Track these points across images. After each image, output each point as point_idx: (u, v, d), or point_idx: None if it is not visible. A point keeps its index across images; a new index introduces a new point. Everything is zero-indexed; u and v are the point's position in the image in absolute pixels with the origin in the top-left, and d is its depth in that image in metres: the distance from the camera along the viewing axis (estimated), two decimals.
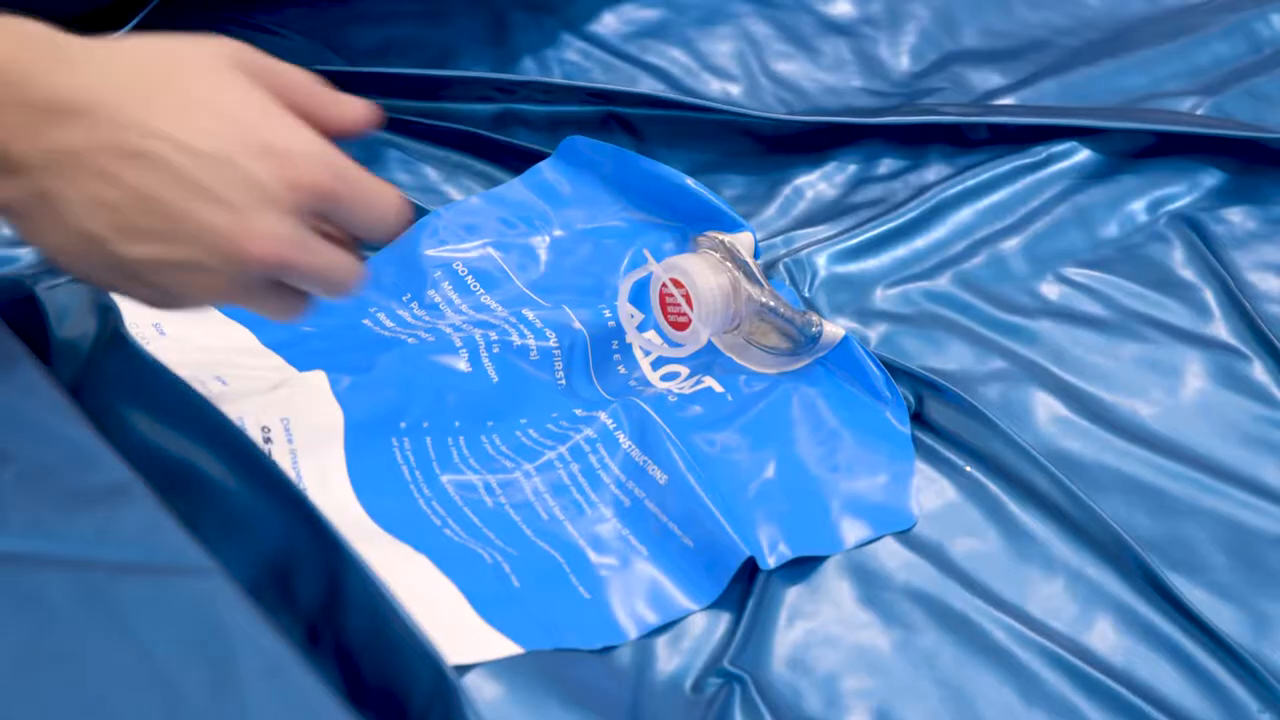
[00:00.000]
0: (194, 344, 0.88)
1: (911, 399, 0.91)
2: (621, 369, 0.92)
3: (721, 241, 0.91)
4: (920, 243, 1.01)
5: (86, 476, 0.65)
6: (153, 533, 0.62)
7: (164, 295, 0.71)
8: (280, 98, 0.71)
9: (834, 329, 0.92)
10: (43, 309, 0.77)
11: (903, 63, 1.14)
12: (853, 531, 0.85)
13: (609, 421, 0.87)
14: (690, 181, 0.99)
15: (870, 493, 0.87)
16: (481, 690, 0.74)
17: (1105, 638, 0.81)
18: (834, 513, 0.86)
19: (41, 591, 0.59)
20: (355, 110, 0.74)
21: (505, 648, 0.76)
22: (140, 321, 0.88)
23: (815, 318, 0.92)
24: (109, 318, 0.76)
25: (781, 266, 0.99)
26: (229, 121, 0.70)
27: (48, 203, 0.68)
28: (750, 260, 0.91)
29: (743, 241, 0.94)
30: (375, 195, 0.72)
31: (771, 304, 0.90)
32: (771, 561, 0.82)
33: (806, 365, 0.92)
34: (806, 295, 0.98)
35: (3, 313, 0.75)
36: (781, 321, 0.91)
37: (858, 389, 0.91)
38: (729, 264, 0.90)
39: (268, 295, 0.72)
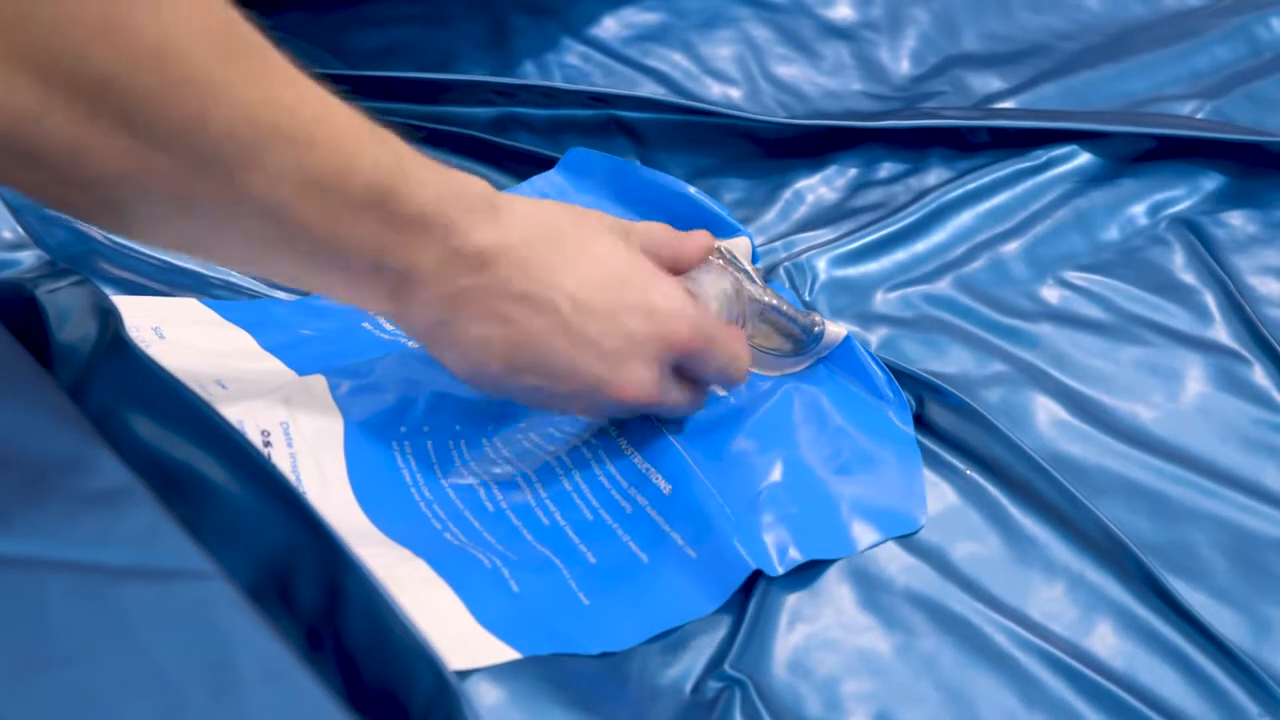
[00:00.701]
0: (195, 347, 0.88)
1: (912, 401, 0.91)
2: None
3: (718, 247, 0.92)
4: (920, 246, 1.01)
5: (87, 480, 0.65)
6: (154, 536, 0.62)
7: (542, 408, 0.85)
8: (648, 254, 0.84)
9: (836, 328, 0.92)
10: (43, 312, 0.77)
11: (903, 67, 1.14)
12: (864, 534, 0.85)
13: (611, 428, 0.87)
14: (690, 189, 0.99)
15: (879, 494, 0.87)
16: (482, 695, 0.74)
17: (1106, 641, 0.81)
18: (844, 515, 0.85)
19: (42, 595, 0.59)
20: (700, 242, 0.88)
21: (502, 653, 0.76)
22: (141, 325, 0.88)
23: (817, 317, 0.92)
24: (109, 321, 0.76)
25: (782, 270, 0.99)
26: (618, 281, 0.81)
27: (447, 330, 0.79)
28: (748, 265, 0.91)
29: (739, 246, 0.94)
30: (727, 354, 0.84)
31: (774, 303, 0.90)
32: (780, 568, 0.82)
33: (809, 366, 0.92)
34: (807, 299, 0.98)
35: (2, 316, 0.75)
36: (785, 321, 0.91)
37: (860, 389, 0.91)
38: (729, 267, 0.90)
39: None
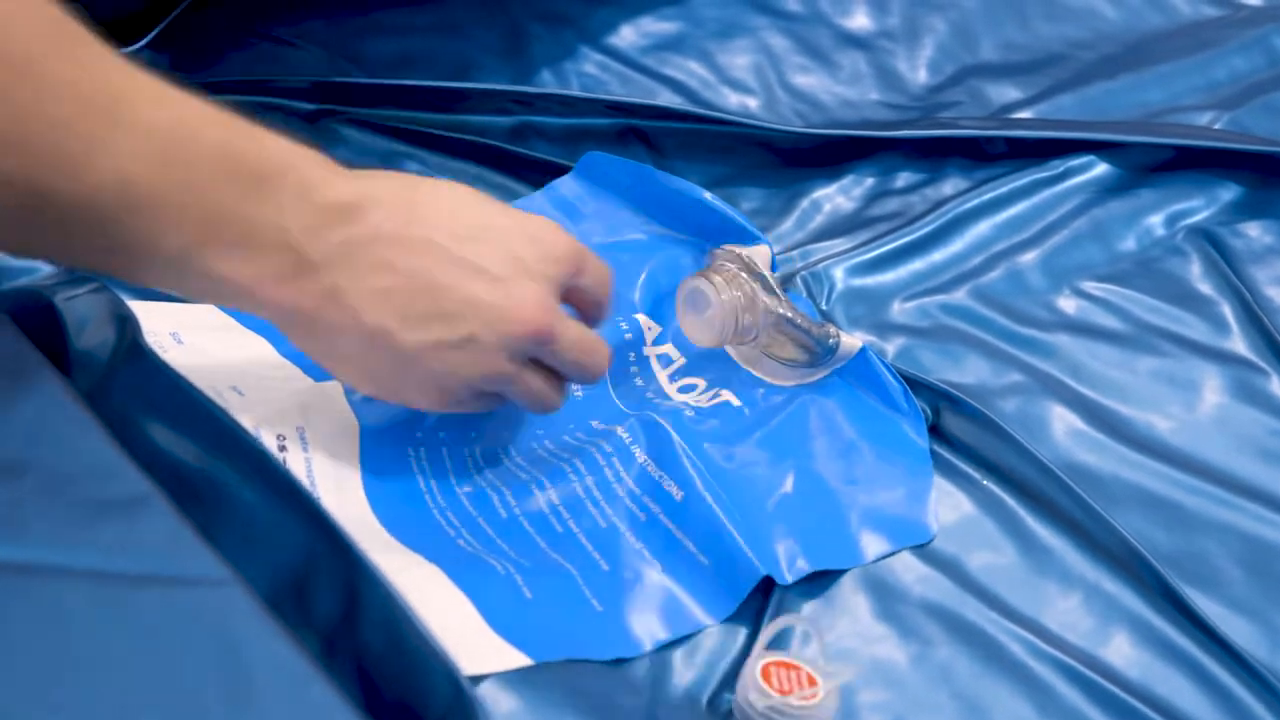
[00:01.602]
0: (212, 353, 0.88)
1: (929, 412, 0.91)
2: (639, 381, 0.92)
3: (739, 255, 0.91)
4: (938, 256, 1.01)
5: (105, 487, 0.65)
6: (172, 544, 0.62)
7: (439, 392, 0.80)
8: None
9: (851, 340, 0.92)
10: (61, 319, 0.77)
11: (920, 76, 1.14)
12: (872, 545, 0.85)
13: (625, 435, 0.87)
14: (708, 195, 0.99)
15: (889, 506, 0.87)
16: (496, 703, 0.74)
17: (1121, 651, 0.81)
18: (853, 526, 0.85)
19: (60, 602, 0.60)
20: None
21: (516, 659, 0.76)
22: (159, 330, 0.88)
23: (833, 329, 0.92)
24: (127, 328, 0.77)
25: (799, 279, 0.99)
26: (488, 213, 0.81)
27: (336, 300, 0.77)
28: (767, 273, 0.91)
29: (759, 254, 0.94)
30: (600, 277, 0.84)
31: (789, 315, 0.90)
32: (789, 577, 0.82)
33: (824, 377, 0.92)
34: (824, 308, 0.98)
35: (22, 323, 0.75)
36: (799, 333, 0.91)
37: (875, 401, 0.91)
38: (745, 276, 0.90)
39: (533, 375, 0.81)
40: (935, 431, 0.91)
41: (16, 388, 0.69)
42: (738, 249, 0.92)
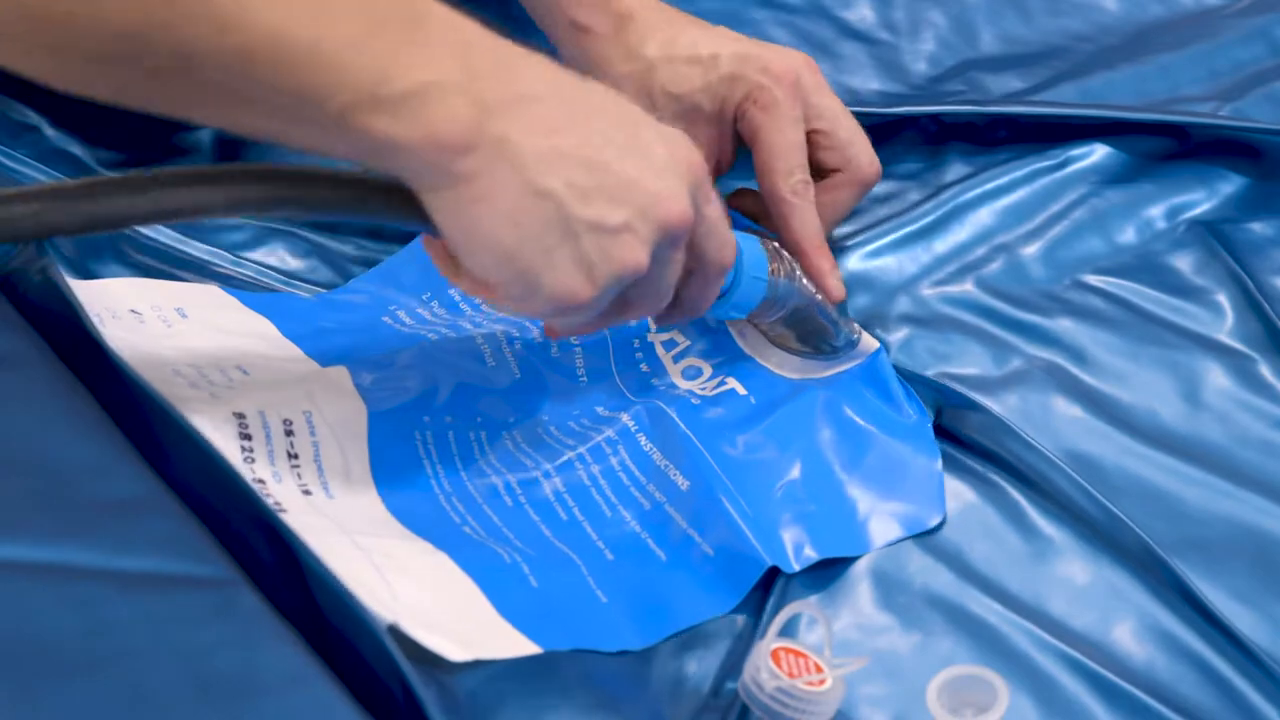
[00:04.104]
0: (218, 330, 0.88)
1: (930, 407, 0.91)
2: (644, 367, 0.92)
3: (773, 242, 0.91)
4: (940, 246, 1.01)
5: (105, 487, 0.65)
6: (173, 543, 0.63)
7: (585, 277, 0.76)
8: None
9: (870, 340, 0.92)
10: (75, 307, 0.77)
11: (921, 68, 1.14)
12: (880, 532, 0.85)
13: (631, 423, 0.87)
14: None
15: (897, 492, 0.87)
16: (499, 693, 0.74)
17: (1124, 642, 0.81)
18: (861, 513, 0.85)
19: (63, 601, 0.60)
20: None
21: (524, 646, 0.76)
22: (164, 305, 0.88)
23: (856, 325, 0.92)
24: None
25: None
26: (642, 110, 0.79)
27: (503, 152, 0.72)
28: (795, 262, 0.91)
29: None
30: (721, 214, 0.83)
31: (820, 299, 0.90)
32: (796, 565, 0.82)
33: (831, 374, 0.92)
34: None
35: (34, 316, 0.75)
36: (825, 321, 0.91)
37: (880, 398, 0.91)
38: (787, 254, 0.90)
39: (667, 270, 0.79)
40: (938, 423, 0.91)
41: (19, 383, 0.69)
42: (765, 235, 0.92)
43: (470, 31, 0.73)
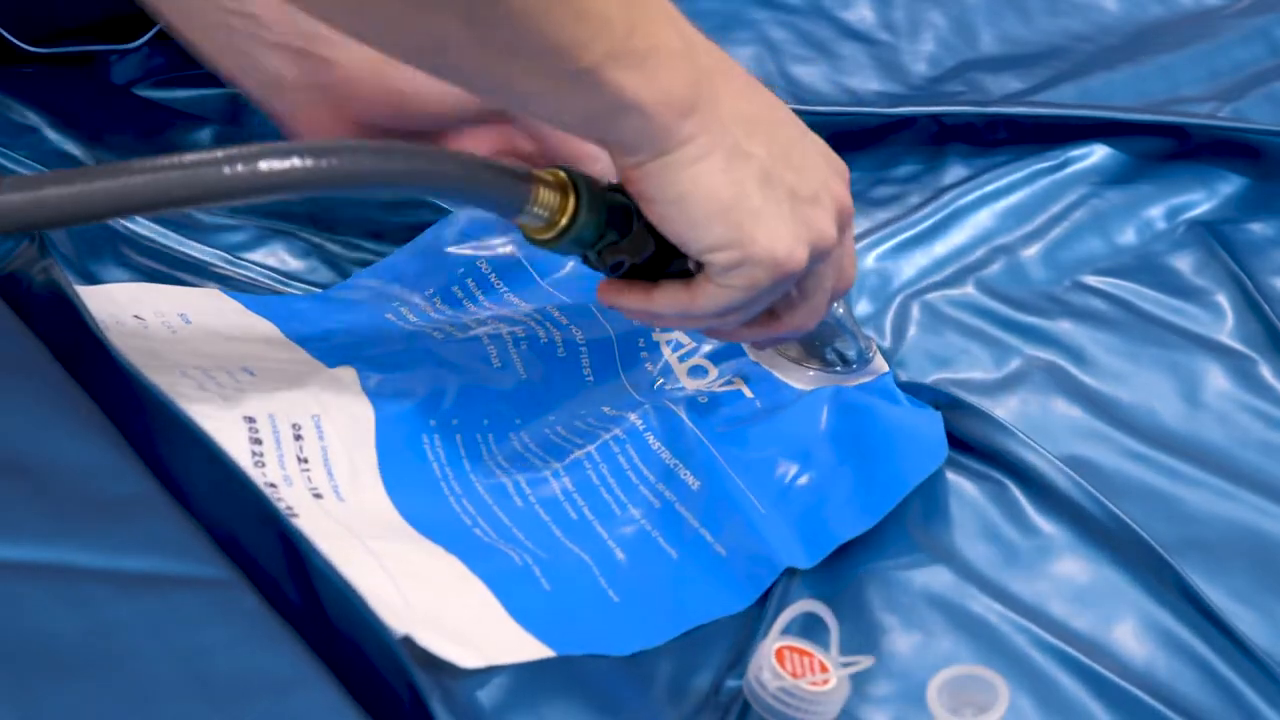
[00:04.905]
0: (221, 334, 0.88)
1: (931, 408, 0.91)
2: (649, 366, 0.92)
3: None
4: (940, 248, 1.01)
5: (105, 487, 0.65)
6: (172, 543, 0.63)
7: (798, 234, 0.78)
8: None
9: (881, 362, 0.92)
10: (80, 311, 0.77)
11: (921, 69, 1.14)
12: (889, 495, 0.84)
13: (638, 422, 0.87)
14: None
15: (900, 450, 0.86)
16: (503, 695, 0.74)
17: (1124, 642, 0.81)
18: (869, 487, 0.84)
19: (61, 602, 0.60)
20: None
21: (537, 650, 0.75)
22: (166, 310, 0.88)
23: (873, 342, 0.92)
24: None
25: None
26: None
27: (720, 117, 0.75)
28: None
29: None
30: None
31: (841, 312, 0.90)
32: (811, 561, 0.82)
33: (837, 386, 0.91)
34: None
35: (35, 317, 0.75)
36: (845, 333, 0.91)
37: (886, 401, 0.91)
38: None
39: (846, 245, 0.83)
40: None
41: (18, 384, 0.69)
42: None
43: (669, 3, 0.75)
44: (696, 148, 0.75)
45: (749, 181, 0.76)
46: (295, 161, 0.68)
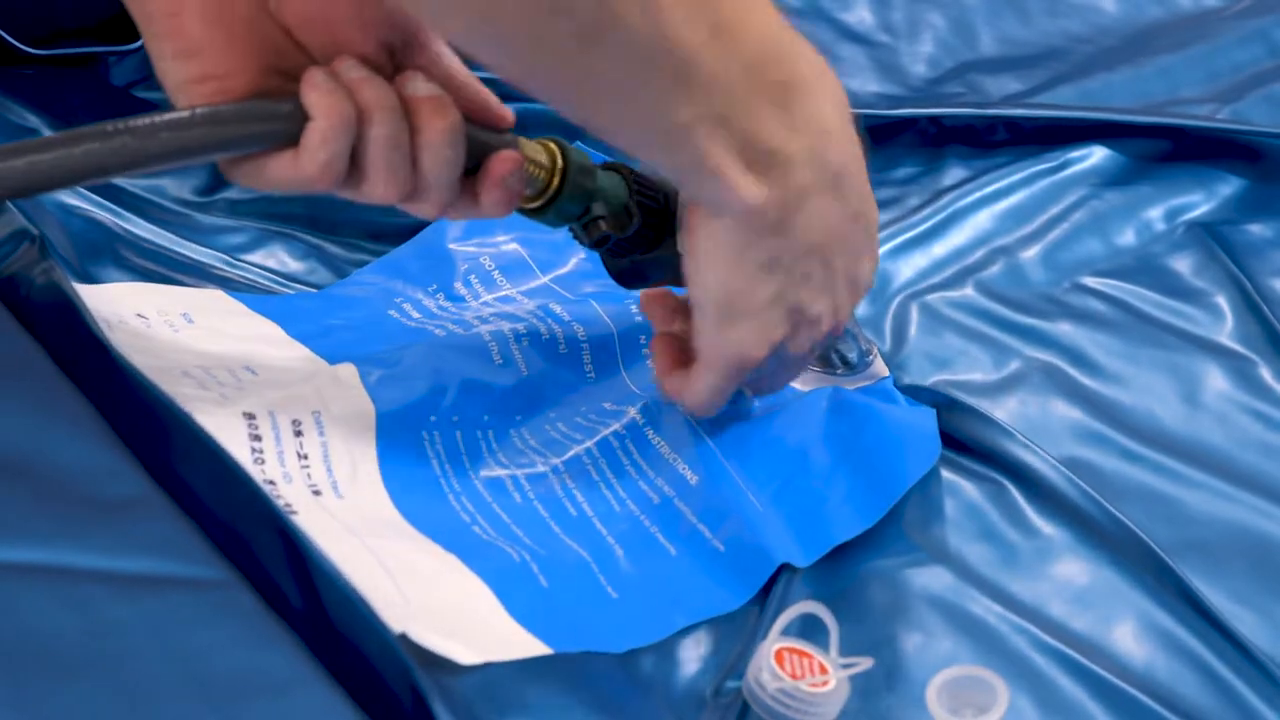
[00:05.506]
0: (223, 333, 0.88)
1: (930, 409, 0.91)
2: (651, 363, 0.92)
3: None
4: (939, 250, 1.01)
5: (105, 487, 0.65)
6: (171, 544, 0.63)
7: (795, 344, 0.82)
8: None
9: (881, 366, 0.92)
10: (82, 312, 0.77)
11: (920, 70, 1.14)
12: (886, 496, 0.84)
13: (638, 417, 0.87)
14: None
15: (897, 451, 0.86)
16: (502, 695, 0.74)
17: (1124, 643, 0.81)
18: (866, 487, 0.85)
19: (61, 602, 0.60)
20: None
21: (535, 648, 0.75)
22: (169, 310, 0.88)
23: (875, 347, 0.92)
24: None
25: None
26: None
27: (802, 204, 0.76)
28: None
29: None
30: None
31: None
32: (808, 560, 0.82)
33: (835, 388, 0.91)
34: None
35: (36, 320, 0.75)
36: (849, 338, 0.91)
37: (883, 401, 0.91)
38: None
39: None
40: (938, 424, 0.91)
41: (16, 386, 0.69)
42: None
43: (830, 120, 0.76)
44: (749, 233, 0.76)
45: (766, 290, 0.79)
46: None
